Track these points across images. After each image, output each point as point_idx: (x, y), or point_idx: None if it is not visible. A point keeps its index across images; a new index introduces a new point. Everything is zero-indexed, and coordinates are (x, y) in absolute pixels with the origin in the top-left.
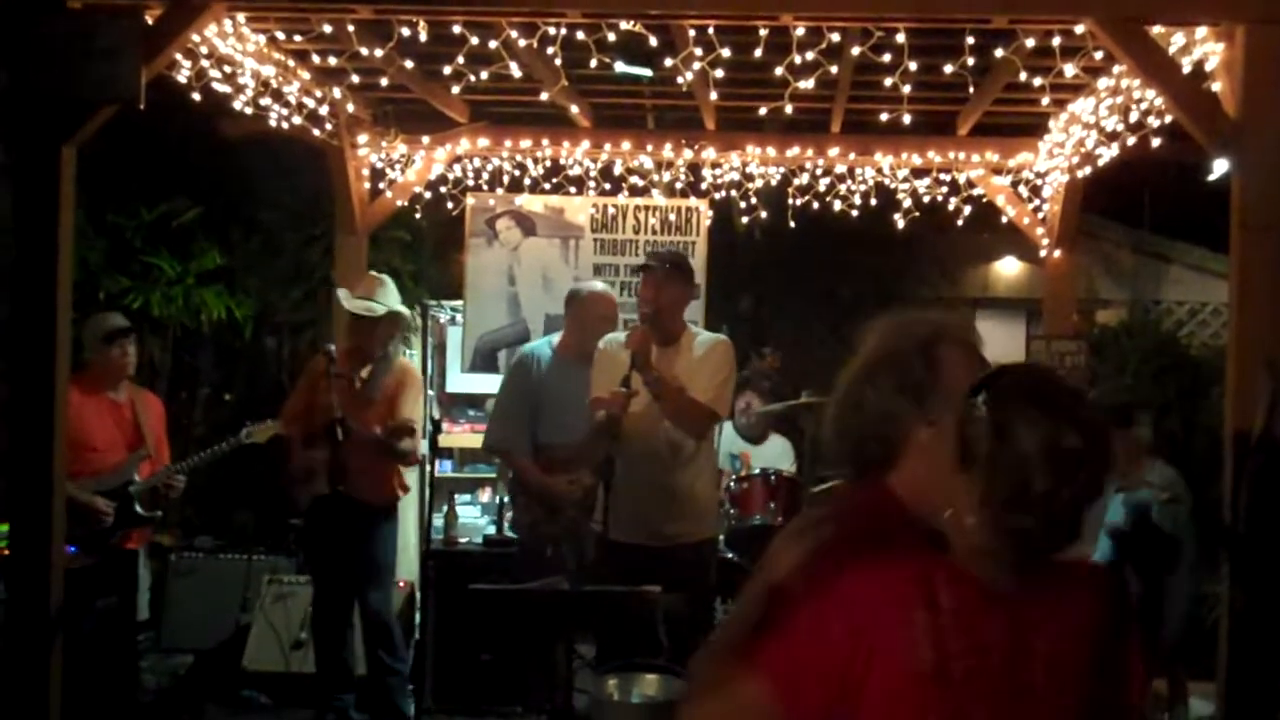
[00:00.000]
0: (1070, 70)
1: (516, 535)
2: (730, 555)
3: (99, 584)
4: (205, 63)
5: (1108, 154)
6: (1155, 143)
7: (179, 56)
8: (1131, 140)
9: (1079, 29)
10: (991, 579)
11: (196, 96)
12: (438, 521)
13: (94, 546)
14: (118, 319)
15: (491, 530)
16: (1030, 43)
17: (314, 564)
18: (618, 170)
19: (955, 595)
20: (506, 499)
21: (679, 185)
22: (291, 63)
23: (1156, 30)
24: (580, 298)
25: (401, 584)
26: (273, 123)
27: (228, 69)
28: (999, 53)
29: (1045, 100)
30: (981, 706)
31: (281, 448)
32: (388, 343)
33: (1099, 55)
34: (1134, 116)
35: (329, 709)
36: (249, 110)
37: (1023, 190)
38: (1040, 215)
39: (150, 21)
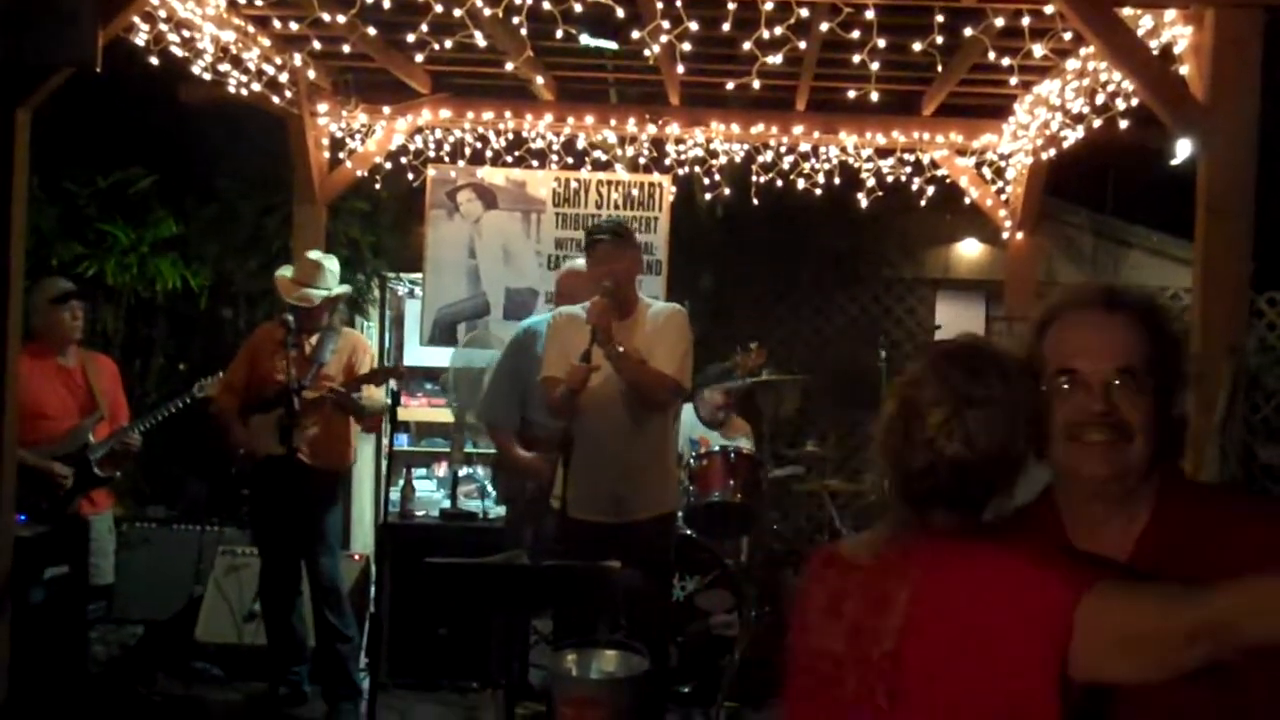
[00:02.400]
0: (1039, 51)
1: (506, 509)
2: (689, 532)
3: (49, 553)
4: (163, 26)
5: (1073, 136)
6: (1122, 125)
7: (136, 19)
8: (1097, 123)
9: (1048, 9)
10: None
11: (154, 61)
12: (394, 495)
13: (45, 515)
14: (63, 283)
15: (448, 504)
16: (999, 22)
17: (261, 531)
18: (581, 144)
19: None
20: (460, 473)
21: (642, 160)
22: (251, 28)
23: (1126, 12)
24: (563, 274)
25: (356, 557)
26: (231, 89)
27: (186, 33)
28: (968, 32)
29: (1013, 81)
30: None
31: (216, 424)
32: (331, 316)
33: (1068, 36)
34: (1100, 99)
35: (281, 681)
36: (207, 76)
37: (986, 172)
38: (1003, 197)
39: None
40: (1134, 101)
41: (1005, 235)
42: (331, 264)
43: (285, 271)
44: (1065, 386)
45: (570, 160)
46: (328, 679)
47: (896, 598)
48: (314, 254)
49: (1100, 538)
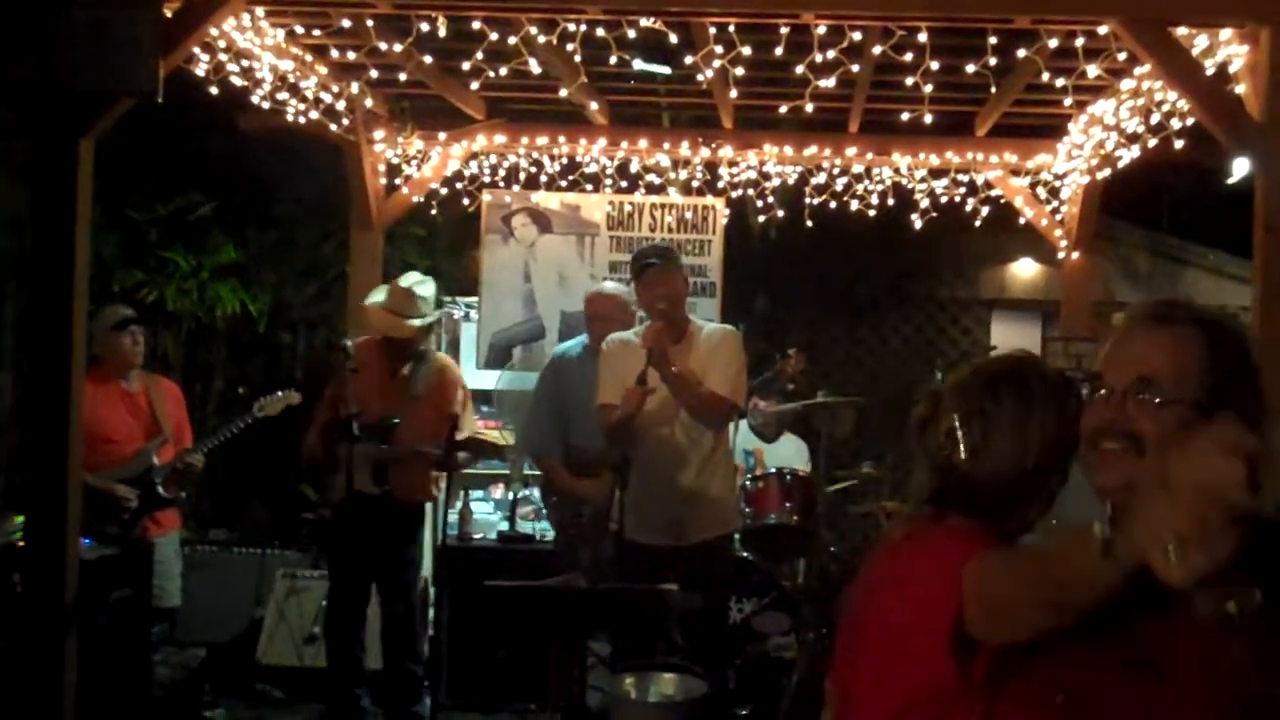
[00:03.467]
0: (1093, 71)
1: (555, 535)
2: (745, 554)
3: (114, 576)
4: (223, 56)
5: (1128, 156)
6: (1177, 145)
7: (197, 50)
8: (1153, 142)
9: (1102, 30)
10: None
11: (214, 90)
12: (451, 517)
13: (110, 538)
14: (124, 309)
15: (505, 527)
16: (1053, 43)
17: (338, 559)
18: (634, 168)
19: None
20: (519, 494)
21: (695, 183)
22: (309, 57)
23: (1180, 32)
24: (586, 298)
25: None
26: (290, 118)
27: (245, 63)
28: (1021, 53)
29: (1067, 101)
30: None
31: (295, 442)
32: (426, 341)
33: (1122, 56)
34: (1155, 118)
35: (341, 704)
36: (266, 105)
37: (1041, 192)
38: (1058, 217)
39: (169, 14)
40: (1190, 120)
41: (1061, 255)
42: (425, 289)
43: (377, 296)
44: (1089, 395)
45: (624, 184)
46: (395, 705)
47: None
48: (406, 280)
49: None
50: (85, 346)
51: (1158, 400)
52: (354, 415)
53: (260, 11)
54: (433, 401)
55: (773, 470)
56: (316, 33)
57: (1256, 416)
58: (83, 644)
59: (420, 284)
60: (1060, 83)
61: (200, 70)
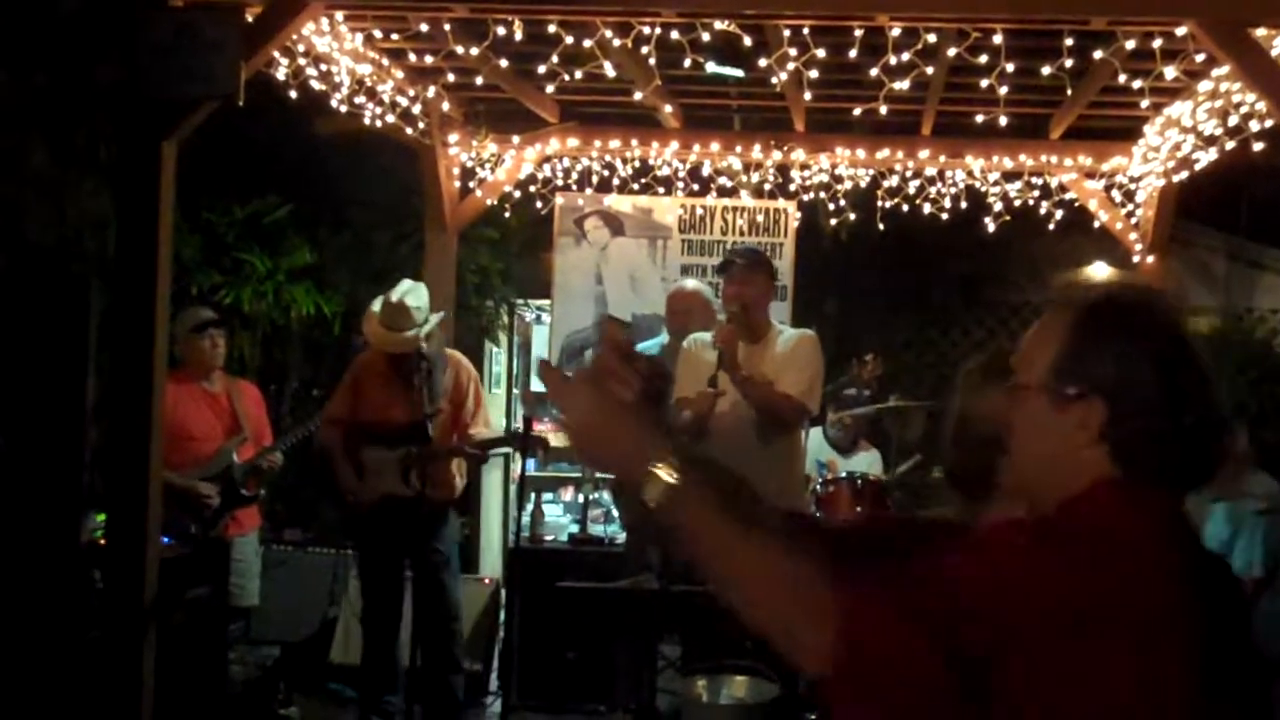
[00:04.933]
0: (1170, 73)
1: (625, 536)
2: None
3: (192, 575)
4: (302, 60)
5: (1205, 158)
6: (1256, 147)
7: (276, 54)
8: (1230, 145)
9: (1180, 31)
10: None
11: (294, 94)
12: (523, 520)
13: (192, 537)
14: (205, 311)
15: (576, 529)
16: (1130, 44)
17: (371, 563)
18: (706, 171)
19: None
20: (591, 497)
21: (767, 186)
22: (386, 61)
23: (1259, 33)
24: (668, 297)
25: (486, 580)
26: (366, 121)
27: (324, 67)
28: (1097, 54)
29: (1144, 103)
30: None
31: (323, 459)
32: (432, 345)
33: (1199, 58)
34: (1233, 120)
35: (375, 710)
36: (344, 108)
37: (1115, 195)
38: (1133, 220)
39: (250, 19)
40: (1268, 122)
41: (1135, 259)
42: (416, 299)
43: (375, 307)
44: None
45: (696, 187)
46: (434, 704)
47: None
48: (396, 294)
49: None
50: (167, 347)
51: (1016, 397)
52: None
53: (339, 16)
54: (452, 400)
55: (844, 475)
56: (394, 37)
57: (1135, 396)
58: (160, 641)
59: (410, 293)
60: (1137, 84)
61: (280, 74)
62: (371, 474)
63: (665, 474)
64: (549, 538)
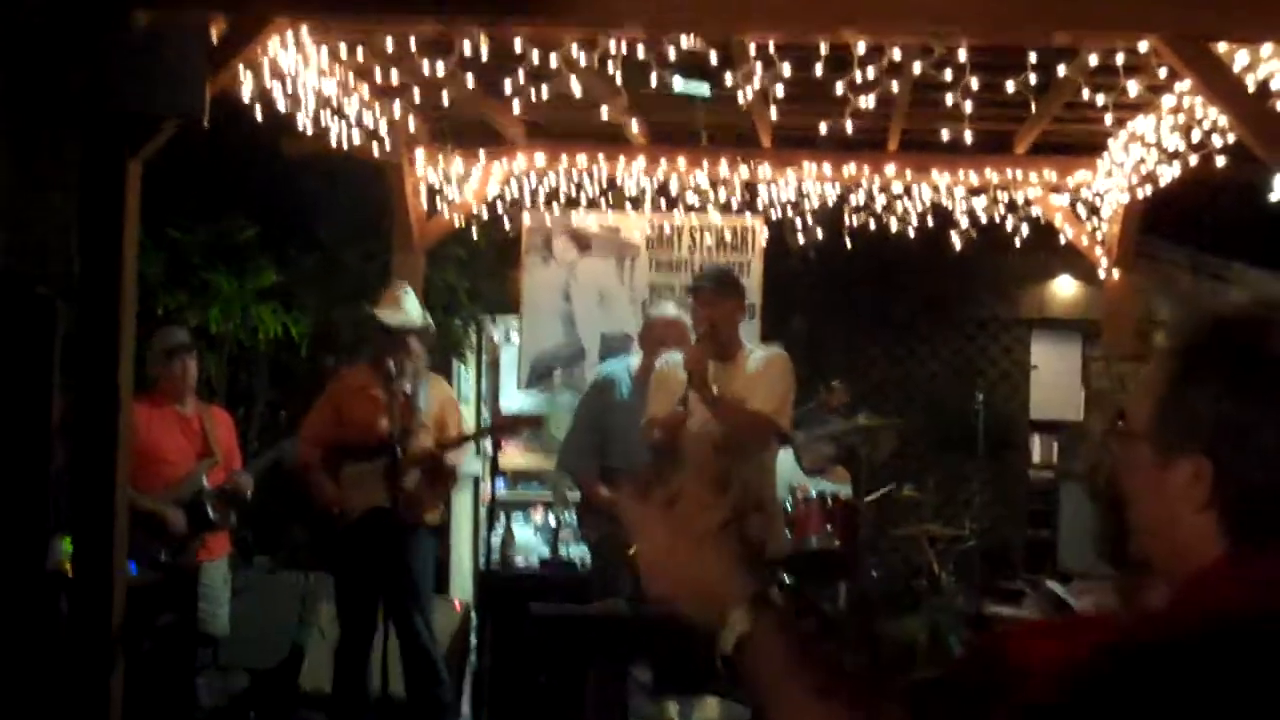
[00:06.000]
0: (1133, 88)
1: (590, 554)
2: (787, 578)
3: (159, 601)
4: (268, 79)
5: (1169, 173)
6: (1219, 161)
7: (241, 70)
8: (1194, 159)
9: (1143, 46)
10: None
11: (259, 113)
12: (493, 542)
13: (160, 563)
14: (180, 334)
15: (547, 551)
16: (1093, 60)
17: (349, 585)
18: (674, 188)
19: None
20: (562, 518)
21: (734, 203)
22: (352, 79)
23: (1221, 48)
24: (646, 322)
25: (457, 605)
26: (333, 141)
27: (289, 86)
28: (1061, 70)
29: (1108, 118)
30: None
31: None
32: (419, 357)
33: (1163, 73)
34: (1197, 135)
35: None
36: (309, 127)
37: (1081, 210)
38: (1099, 235)
39: (215, 36)
40: (1231, 137)
41: (1101, 274)
42: (412, 293)
43: (375, 307)
44: None
45: (664, 204)
46: None
47: None
48: (393, 287)
49: None
50: (133, 368)
51: (1118, 430)
52: (397, 438)
53: (304, 30)
54: (436, 421)
55: (814, 494)
56: (360, 52)
57: (1246, 447)
58: (128, 669)
59: (405, 290)
60: (1100, 100)
61: (245, 93)
62: (353, 488)
63: (742, 620)
64: (520, 560)
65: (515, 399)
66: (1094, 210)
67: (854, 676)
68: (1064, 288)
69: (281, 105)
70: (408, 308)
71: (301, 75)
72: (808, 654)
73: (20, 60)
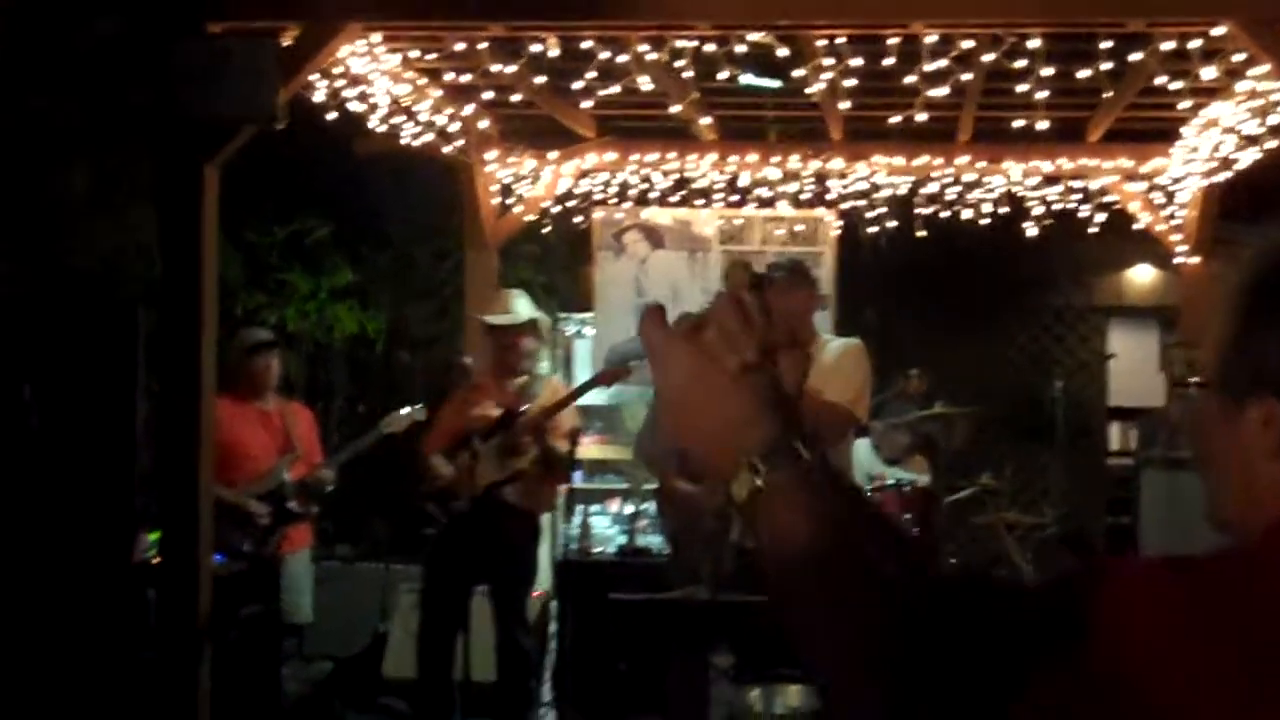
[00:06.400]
0: (1209, 73)
1: (667, 542)
2: None
3: (244, 592)
4: (340, 82)
5: (1246, 158)
6: None
7: (314, 76)
8: (1271, 144)
9: (1218, 31)
10: None
11: (331, 116)
12: (571, 532)
13: (244, 554)
14: (261, 333)
15: (624, 540)
16: (1167, 46)
17: (438, 574)
18: (744, 182)
19: None
20: (639, 509)
21: (805, 196)
22: (423, 81)
23: None
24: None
25: (536, 593)
26: (405, 141)
27: (362, 88)
28: (1135, 56)
29: (1183, 104)
30: None
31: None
32: (532, 355)
33: (1238, 58)
34: (1273, 119)
35: None
36: (382, 129)
37: (1157, 196)
38: (1175, 221)
39: (288, 42)
40: None
41: (1178, 260)
42: (526, 296)
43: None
44: None
45: (734, 198)
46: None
47: None
48: (506, 290)
49: None
50: (215, 367)
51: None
52: (474, 432)
53: (376, 37)
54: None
55: (891, 483)
56: (431, 56)
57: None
58: (215, 659)
59: (517, 288)
60: (1175, 86)
61: (318, 96)
62: (468, 471)
63: (759, 470)
64: (597, 549)
65: (590, 393)
66: (1170, 197)
67: (876, 558)
68: (1141, 275)
69: (354, 107)
70: (516, 308)
71: (373, 78)
72: (826, 519)
73: (97, 75)
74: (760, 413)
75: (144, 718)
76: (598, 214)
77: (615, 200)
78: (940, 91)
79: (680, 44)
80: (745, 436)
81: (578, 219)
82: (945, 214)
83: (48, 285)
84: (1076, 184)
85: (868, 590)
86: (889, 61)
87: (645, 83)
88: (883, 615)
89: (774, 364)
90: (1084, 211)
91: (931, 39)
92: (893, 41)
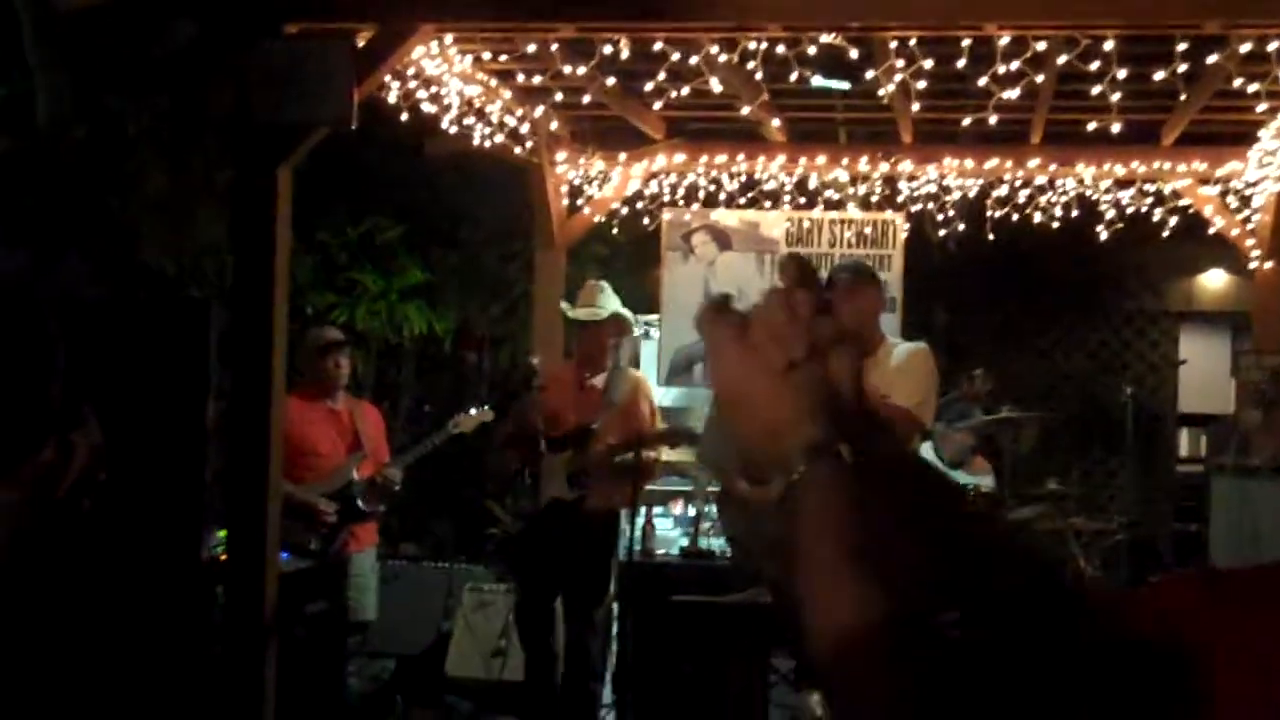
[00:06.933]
0: None
1: (729, 545)
2: None
3: (310, 589)
4: (413, 84)
5: None
6: None
7: (387, 78)
8: None
9: None
10: None
11: (404, 117)
12: (634, 533)
13: (311, 552)
14: (332, 332)
15: (686, 543)
16: (1244, 48)
17: (527, 572)
18: (813, 184)
19: None
20: (702, 510)
21: (874, 198)
22: (495, 82)
23: None
24: None
25: None
26: (475, 141)
27: (434, 89)
28: (1211, 59)
29: (1260, 107)
30: None
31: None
32: (617, 350)
33: None
34: None
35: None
36: (453, 130)
37: (1231, 200)
38: (1249, 226)
39: (361, 44)
40: None
41: (1253, 265)
42: (610, 289)
43: (565, 307)
44: None
45: (803, 200)
46: (575, 714)
47: None
48: (588, 284)
49: None
50: (285, 366)
51: None
52: (540, 433)
53: (448, 39)
54: (626, 411)
55: None
56: (503, 58)
57: None
58: (281, 655)
59: (602, 282)
60: (1252, 88)
61: (390, 98)
62: (541, 480)
63: (796, 467)
64: (660, 552)
65: (655, 395)
66: (1245, 201)
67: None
68: (1213, 280)
69: (425, 108)
70: (600, 302)
71: (446, 79)
72: (858, 524)
73: (175, 78)
74: (806, 412)
75: (210, 713)
76: (666, 215)
77: (684, 202)
78: (1012, 94)
79: (751, 45)
80: (792, 435)
81: (646, 220)
82: (1016, 216)
83: (125, 285)
84: (1149, 187)
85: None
86: (961, 63)
87: (715, 84)
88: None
89: (823, 362)
90: (1157, 215)
91: (1004, 40)
92: (965, 43)
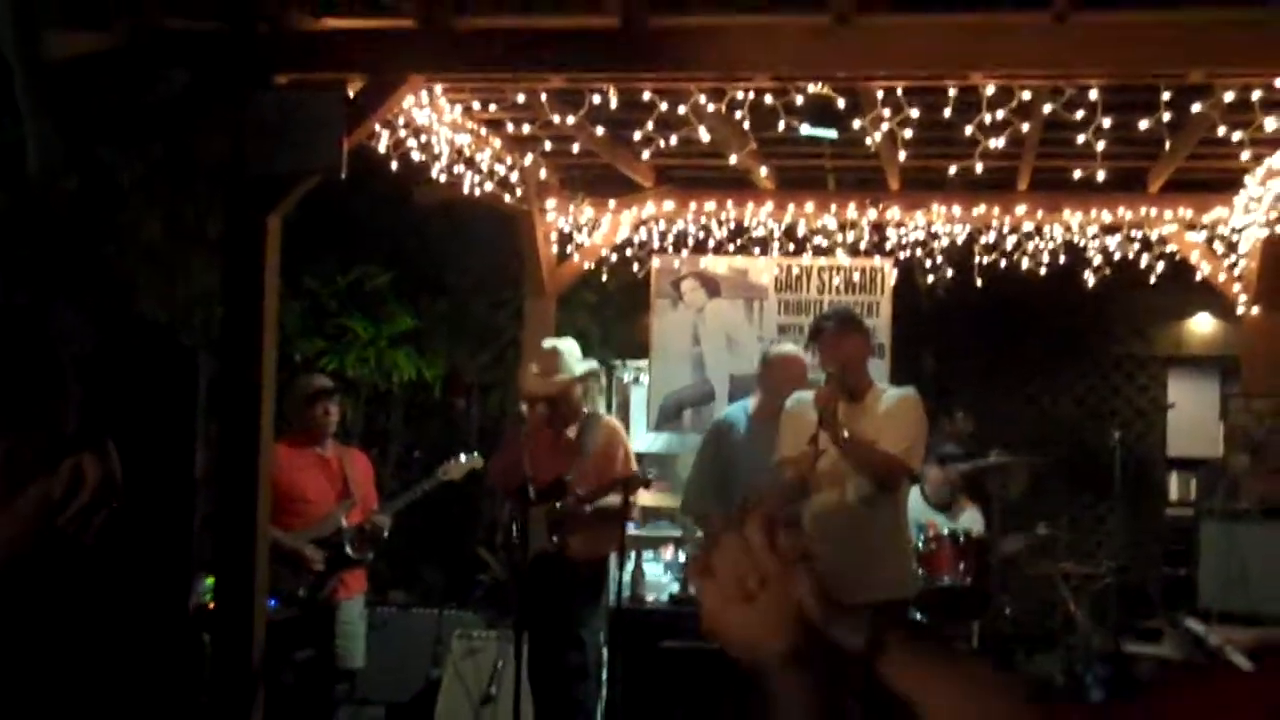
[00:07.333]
0: (1271, 124)
1: None
2: (919, 616)
3: (298, 637)
4: (402, 132)
5: None
6: None
7: (377, 127)
8: None
9: (1279, 82)
10: None
11: (394, 166)
12: (624, 579)
13: (298, 600)
14: (321, 380)
15: (676, 588)
16: (1228, 96)
17: (525, 620)
18: (801, 231)
19: None
20: (692, 556)
21: (862, 245)
22: (485, 131)
23: None
24: (769, 361)
25: None
26: (465, 189)
27: (424, 138)
28: (1195, 108)
29: (1244, 155)
30: None
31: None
32: (585, 402)
33: None
34: None
35: None
36: (443, 177)
37: (1218, 246)
38: (1236, 271)
39: (353, 94)
40: None
41: (1240, 310)
42: (567, 345)
43: (534, 369)
44: None
45: (791, 247)
46: None
47: None
48: (547, 342)
49: None
50: (274, 415)
51: None
52: (529, 479)
53: (438, 89)
54: (599, 461)
55: (945, 532)
56: (492, 108)
57: None
58: (269, 703)
59: (561, 341)
60: (1236, 136)
61: (380, 146)
62: (529, 531)
63: (772, 676)
64: (650, 597)
65: (645, 440)
66: (1231, 247)
67: None
68: (1201, 324)
69: (415, 157)
70: (559, 368)
71: (435, 128)
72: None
73: (169, 128)
74: (771, 629)
75: None
76: (656, 262)
77: (673, 248)
78: (999, 142)
79: (739, 95)
80: (763, 648)
81: (635, 267)
82: (1003, 263)
83: (115, 335)
84: (1136, 233)
85: None
86: (947, 112)
87: (704, 133)
88: None
89: (785, 581)
90: (1144, 261)
91: (990, 90)
92: (951, 93)
